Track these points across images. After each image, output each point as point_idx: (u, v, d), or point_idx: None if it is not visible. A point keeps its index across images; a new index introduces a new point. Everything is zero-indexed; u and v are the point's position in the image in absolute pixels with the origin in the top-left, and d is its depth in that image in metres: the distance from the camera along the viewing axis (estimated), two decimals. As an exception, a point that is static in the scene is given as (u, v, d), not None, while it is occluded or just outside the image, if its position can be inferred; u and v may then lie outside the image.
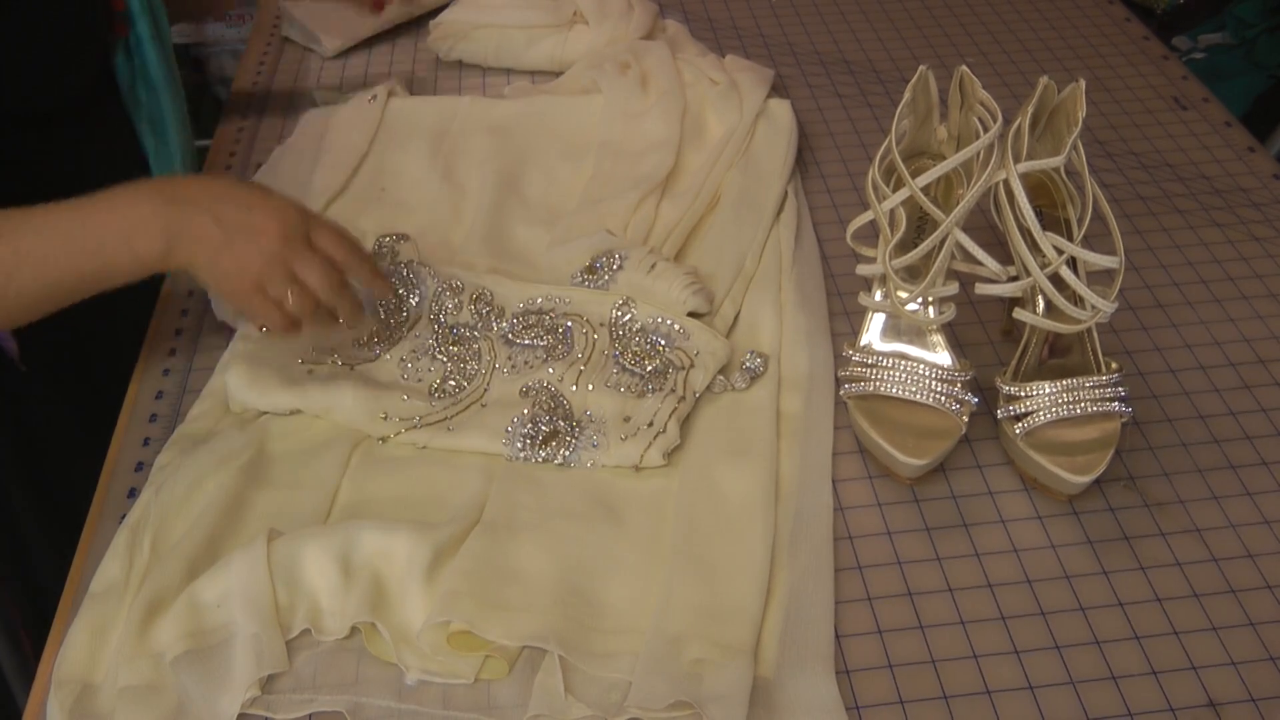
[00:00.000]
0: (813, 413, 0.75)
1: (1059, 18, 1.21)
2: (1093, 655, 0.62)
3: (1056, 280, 0.70)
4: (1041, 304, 0.73)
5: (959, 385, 0.72)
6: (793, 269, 0.86)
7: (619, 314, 0.80)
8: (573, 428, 0.73)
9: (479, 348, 0.78)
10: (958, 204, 0.70)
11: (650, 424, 0.72)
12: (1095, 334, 0.73)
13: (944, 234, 0.71)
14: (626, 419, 0.73)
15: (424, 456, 0.73)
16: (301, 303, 0.67)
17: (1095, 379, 0.70)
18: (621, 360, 0.77)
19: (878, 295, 0.76)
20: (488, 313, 0.81)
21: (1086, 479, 0.67)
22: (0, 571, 0.92)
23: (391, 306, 0.81)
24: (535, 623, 0.61)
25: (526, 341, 0.79)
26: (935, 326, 0.74)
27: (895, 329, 0.76)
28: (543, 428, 0.73)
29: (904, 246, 0.75)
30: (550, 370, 0.76)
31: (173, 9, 0.88)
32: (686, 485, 0.70)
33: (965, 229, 0.71)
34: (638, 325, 0.79)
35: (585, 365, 0.76)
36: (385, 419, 0.73)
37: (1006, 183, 0.72)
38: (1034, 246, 0.71)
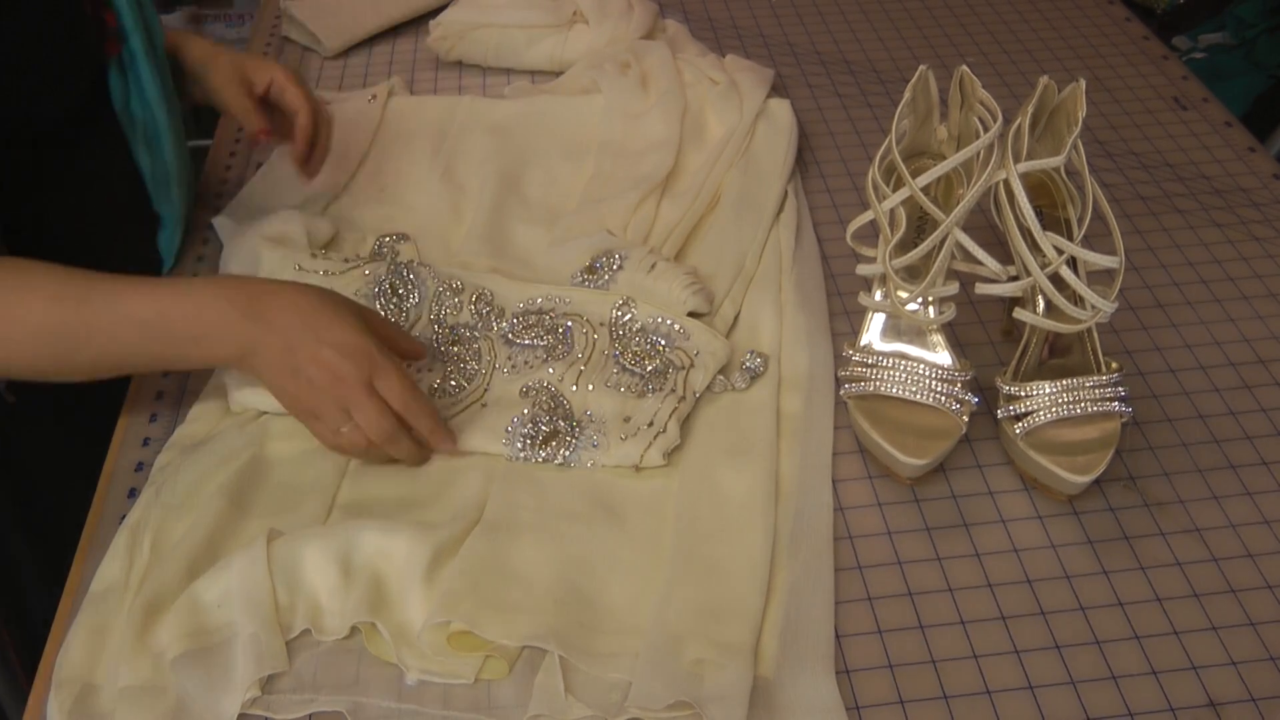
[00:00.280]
0: (813, 413, 0.75)
1: (1059, 18, 1.21)
2: (1093, 655, 0.62)
3: (1057, 280, 0.70)
4: (1041, 304, 0.73)
5: (959, 385, 0.72)
6: (793, 269, 0.86)
7: (619, 314, 0.80)
8: (573, 428, 0.73)
9: (479, 348, 0.78)
10: (958, 204, 0.70)
11: (650, 424, 0.72)
12: (1095, 334, 0.73)
13: (944, 234, 0.71)
14: (626, 419, 0.73)
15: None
16: (354, 439, 0.69)
17: (1095, 379, 0.70)
18: (621, 360, 0.77)
19: (878, 295, 0.76)
20: (488, 313, 0.81)
21: (1086, 479, 0.67)
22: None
23: (391, 308, 0.81)
24: (535, 623, 0.61)
25: (526, 341, 0.79)
26: (935, 326, 0.74)
27: (895, 329, 0.76)
28: (543, 428, 0.72)
29: (904, 246, 0.75)
30: (550, 370, 0.76)
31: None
32: (687, 485, 0.70)
33: (965, 229, 0.71)
34: (638, 325, 0.79)
35: (585, 365, 0.76)
36: None
37: (1006, 182, 0.72)
38: (1034, 246, 0.71)
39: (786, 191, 0.94)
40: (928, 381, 0.72)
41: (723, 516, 0.68)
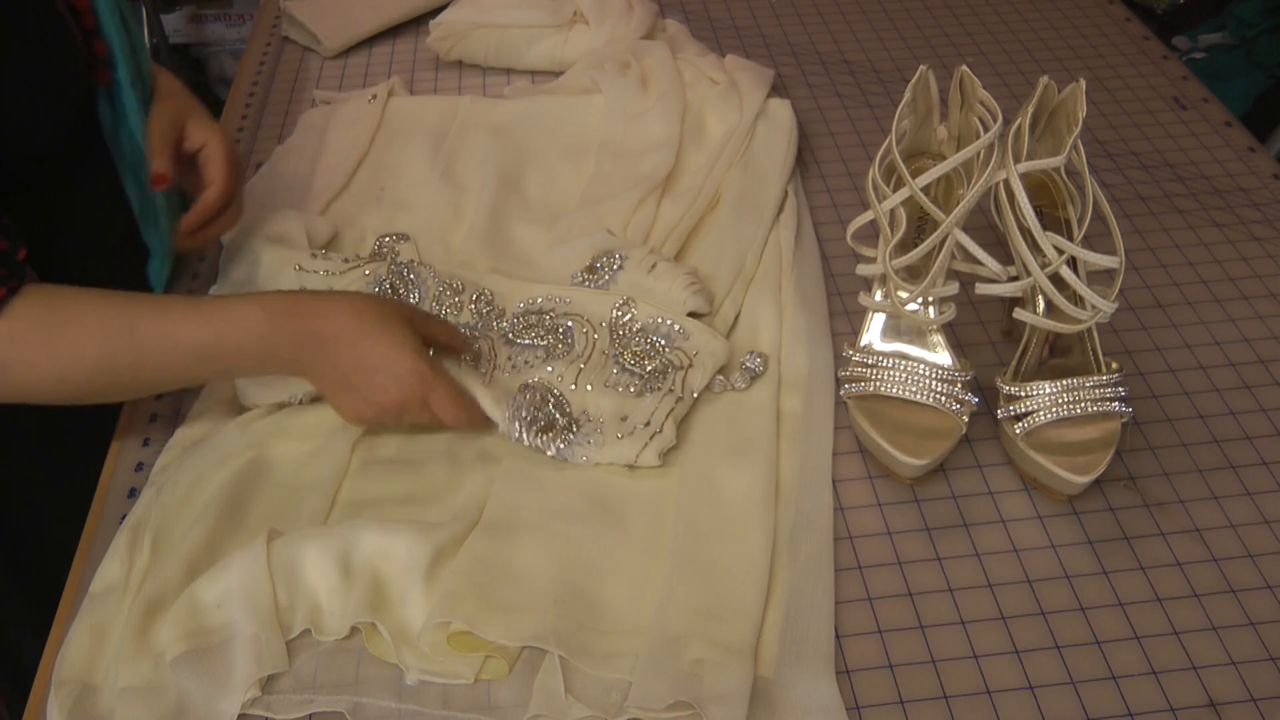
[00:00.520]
0: (813, 413, 0.75)
1: (1059, 18, 1.21)
2: (1093, 655, 0.62)
3: (1057, 280, 0.70)
4: (1042, 304, 0.73)
5: (959, 385, 0.72)
6: (793, 269, 0.86)
7: (619, 314, 0.80)
8: (570, 424, 0.73)
9: (479, 347, 0.78)
10: (958, 204, 0.70)
11: (647, 424, 0.72)
12: (1095, 334, 0.73)
13: (944, 234, 0.71)
14: (624, 418, 0.73)
15: (424, 456, 0.73)
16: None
17: (1095, 379, 0.70)
18: (621, 360, 0.77)
19: (878, 295, 0.76)
20: (488, 312, 0.81)
21: (1087, 479, 0.67)
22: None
23: None
24: (535, 623, 0.61)
25: (527, 341, 0.79)
26: (935, 326, 0.74)
27: (895, 329, 0.76)
28: (540, 419, 0.73)
29: (904, 246, 0.75)
30: (549, 369, 0.76)
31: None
32: (687, 485, 0.70)
33: (965, 229, 0.71)
34: (638, 325, 0.79)
35: (585, 364, 0.76)
36: None
37: (1007, 183, 0.72)
38: (1034, 246, 0.71)
39: (786, 191, 0.94)
40: (928, 381, 0.72)
41: (723, 517, 0.68)
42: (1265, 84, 1.73)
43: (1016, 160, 0.71)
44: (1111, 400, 0.70)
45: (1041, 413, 0.70)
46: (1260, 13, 1.80)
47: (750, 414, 0.74)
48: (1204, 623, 0.63)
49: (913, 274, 0.76)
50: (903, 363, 0.73)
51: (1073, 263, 0.72)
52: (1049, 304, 0.71)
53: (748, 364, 0.78)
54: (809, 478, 0.71)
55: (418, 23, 1.21)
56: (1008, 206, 0.72)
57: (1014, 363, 0.74)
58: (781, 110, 1.02)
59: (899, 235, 0.74)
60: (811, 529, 0.68)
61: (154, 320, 0.66)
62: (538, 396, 0.74)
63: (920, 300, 0.74)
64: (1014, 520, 0.69)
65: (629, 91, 1.04)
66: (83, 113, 0.75)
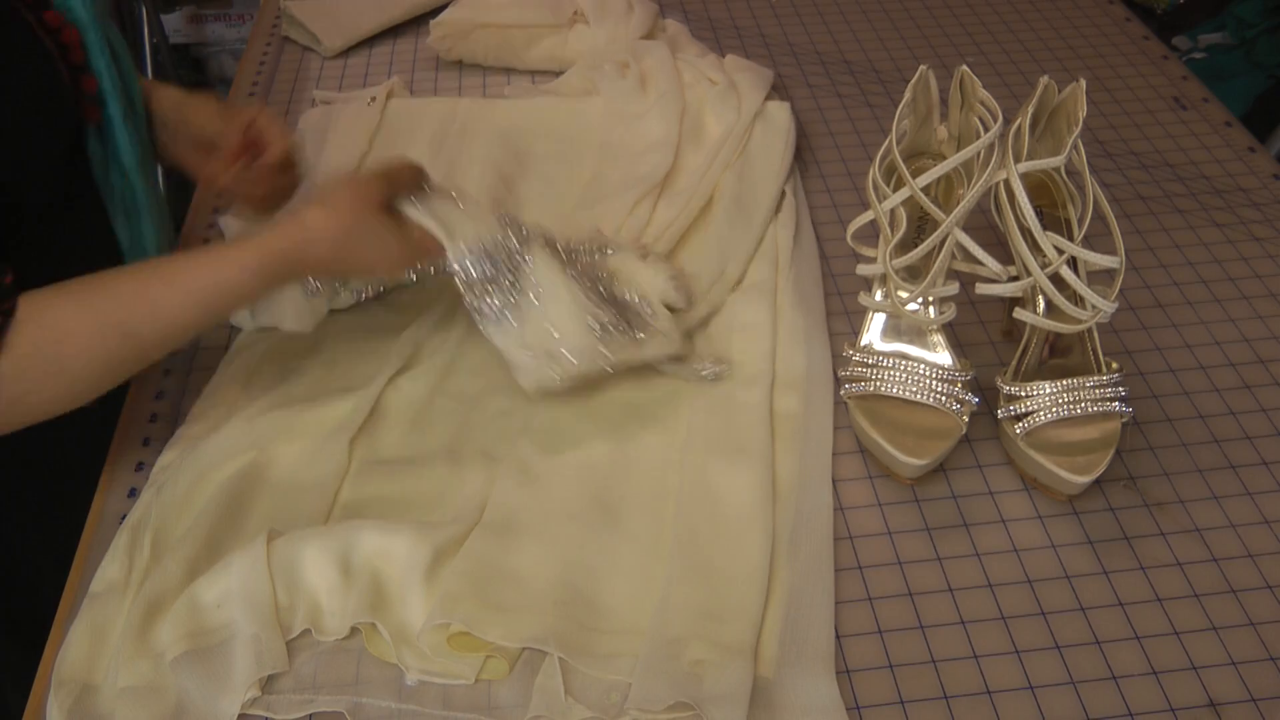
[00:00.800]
0: (812, 413, 0.75)
1: (1059, 18, 1.21)
2: (1093, 655, 0.62)
3: (1057, 280, 0.70)
4: (1042, 304, 0.73)
5: (959, 385, 0.72)
6: (791, 269, 0.86)
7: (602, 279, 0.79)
8: (514, 285, 0.71)
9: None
10: (958, 204, 0.70)
11: (565, 351, 0.71)
12: (1095, 334, 0.73)
13: (944, 234, 0.71)
14: (556, 335, 0.71)
15: (424, 457, 0.73)
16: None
17: (1095, 379, 0.70)
18: (596, 291, 0.75)
19: (878, 295, 0.76)
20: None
21: (1087, 479, 0.67)
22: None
23: None
24: (535, 624, 0.61)
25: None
26: (935, 326, 0.74)
27: (896, 329, 0.76)
28: (487, 267, 0.71)
29: (904, 246, 0.75)
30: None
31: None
32: (685, 486, 0.70)
33: (965, 229, 0.71)
34: (616, 293, 0.78)
35: (563, 263, 0.74)
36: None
37: (1007, 182, 0.72)
38: (1034, 246, 0.71)
39: (784, 192, 0.94)
40: (928, 381, 0.72)
41: (722, 517, 0.68)
42: (1265, 84, 1.73)
43: (1016, 160, 0.71)
44: (1111, 400, 0.70)
45: (1041, 413, 0.70)
46: (1260, 13, 1.80)
47: (746, 414, 0.74)
48: (1204, 623, 0.63)
49: (913, 274, 0.76)
50: (903, 363, 0.73)
51: (1073, 263, 0.72)
52: (1049, 304, 0.71)
53: (704, 371, 0.77)
54: (808, 478, 0.71)
55: (418, 23, 1.21)
56: (1008, 206, 0.72)
57: (1014, 363, 0.74)
58: (779, 112, 1.02)
59: (899, 235, 0.74)
60: (811, 529, 0.68)
61: (145, 307, 0.64)
62: (500, 248, 0.71)
63: (920, 300, 0.74)
64: (1014, 520, 0.69)
65: (627, 92, 1.04)
66: (71, 151, 0.74)
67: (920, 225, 0.80)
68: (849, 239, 0.78)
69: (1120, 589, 0.65)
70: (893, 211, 0.75)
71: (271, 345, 0.81)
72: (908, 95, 0.78)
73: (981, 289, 0.72)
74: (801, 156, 1.00)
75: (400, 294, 0.85)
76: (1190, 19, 1.90)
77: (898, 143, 0.75)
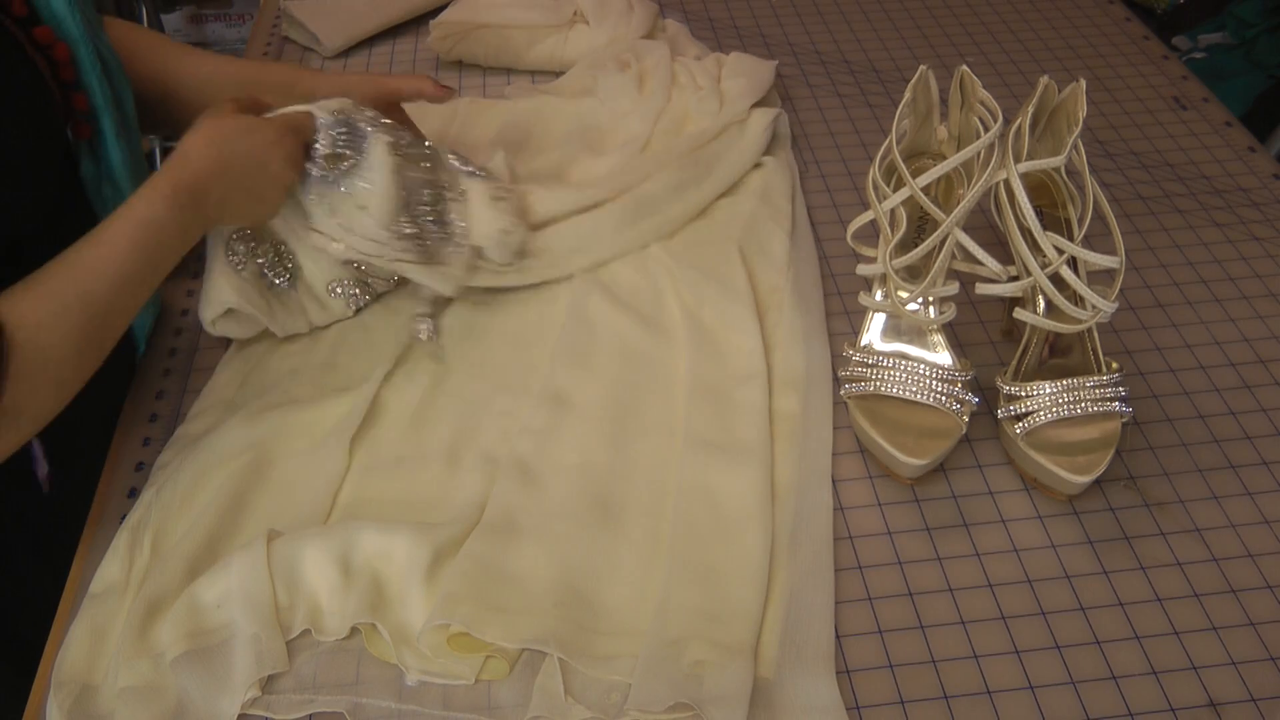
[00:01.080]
0: (812, 413, 0.75)
1: (1059, 18, 1.21)
2: (1093, 655, 0.62)
3: (1057, 280, 0.70)
4: (1042, 304, 0.73)
5: (959, 385, 0.72)
6: (790, 269, 0.86)
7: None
8: (353, 164, 0.75)
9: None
10: (958, 204, 0.70)
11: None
12: (1095, 334, 0.73)
13: (944, 234, 0.71)
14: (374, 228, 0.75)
15: (424, 457, 0.73)
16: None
17: (1095, 379, 0.70)
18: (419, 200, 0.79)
19: (878, 295, 0.76)
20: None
21: (1087, 479, 0.67)
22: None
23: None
24: (534, 625, 0.61)
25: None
26: (935, 326, 0.74)
27: (896, 329, 0.76)
28: (340, 134, 0.75)
29: (904, 246, 0.75)
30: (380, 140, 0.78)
31: None
32: (684, 487, 0.70)
33: (965, 229, 0.71)
34: (440, 213, 0.81)
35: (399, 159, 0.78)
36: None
37: (1007, 182, 0.72)
38: (1034, 246, 0.71)
39: (789, 193, 0.94)
40: (928, 381, 0.72)
41: (721, 518, 0.68)
42: (1265, 84, 1.73)
43: (1016, 160, 0.71)
44: (1111, 400, 0.70)
45: (1041, 413, 0.70)
46: (1260, 13, 1.80)
47: (744, 414, 0.74)
48: (1204, 623, 0.63)
49: (913, 274, 0.76)
50: (903, 362, 0.73)
51: (1073, 263, 0.72)
52: (1049, 304, 0.71)
53: (421, 330, 0.80)
54: (808, 478, 0.71)
55: (418, 23, 1.21)
56: (1008, 206, 0.72)
57: (1014, 363, 0.74)
58: (759, 120, 0.99)
59: (899, 235, 0.74)
60: (811, 529, 0.68)
61: (90, 267, 0.63)
62: (354, 126, 0.76)
63: (920, 300, 0.74)
64: (1014, 520, 0.69)
65: (622, 89, 1.04)
66: (63, 170, 0.73)
67: (920, 225, 0.80)
68: (849, 239, 0.78)
69: (1120, 589, 0.65)
70: (893, 211, 0.75)
71: (271, 345, 0.81)
72: (908, 95, 0.78)
73: (981, 289, 0.72)
74: (801, 156, 1.00)
75: (398, 297, 0.85)
76: (1190, 19, 1.90)
77: (898, 143, 0.75)
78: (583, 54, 1.10)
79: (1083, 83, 0.74)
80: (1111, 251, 0.70)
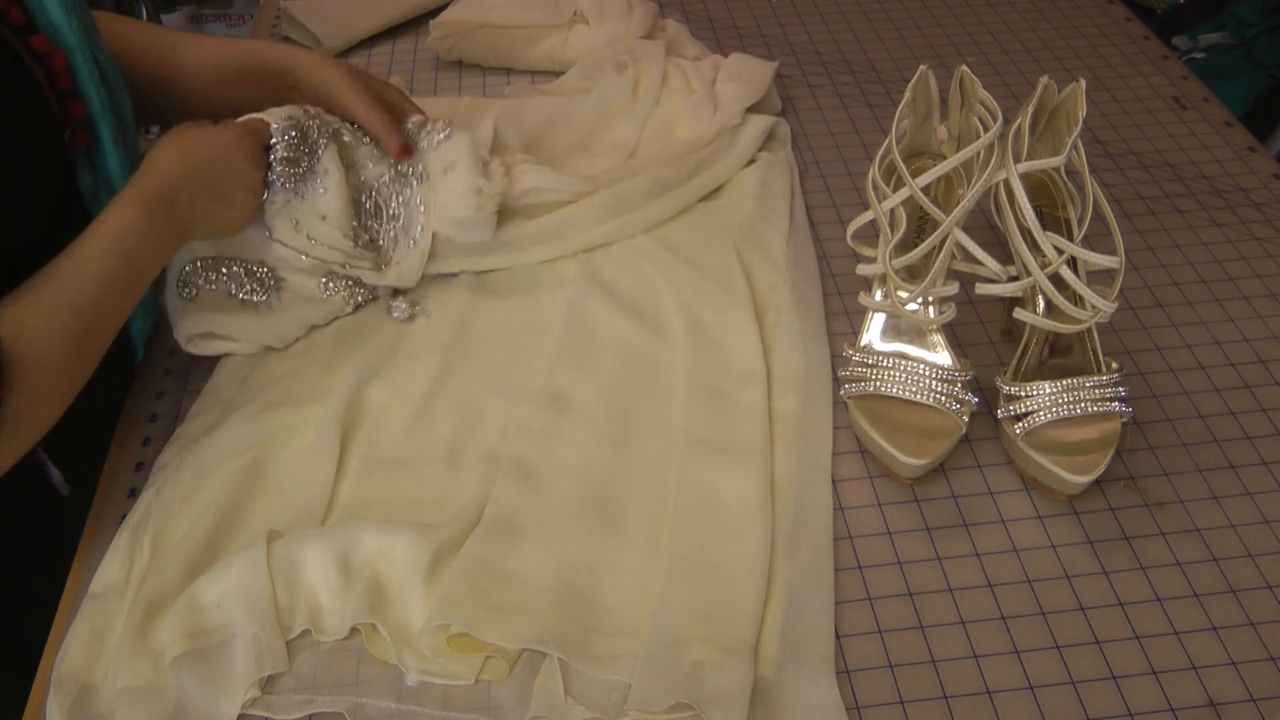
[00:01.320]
0: (811, 413, 0.75)
1: (1059, 18, 1.21)
2: (1093, 655, 0.62)
3: (1057, 280, 0.70)
4: (1042, 304, 0.73)
5: (959, 385, 0.72)
6: (789, 269, 0.86)
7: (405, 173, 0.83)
8: (306, 172, 0.76)
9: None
10: (958, 204, 0.70)
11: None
12: (1095, 334, 0.73)
13: (944, 234, 0.71)
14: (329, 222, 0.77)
15: (423, 458, 0.73)
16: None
17: (1095, 379, 0.70)
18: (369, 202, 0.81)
19: (878, 295, 0.76)
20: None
21: (1087, 479, 0.67)
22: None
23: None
24: (534, 625, 0.61)
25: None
26: (935, 326, 0.74)
27: (895, 329, 0.76)
28: (295, 139, 0.76)
29: (904, 246, 0.75)
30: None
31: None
32: (683, 487, 0.70)
33: (965, 229, 0.71)
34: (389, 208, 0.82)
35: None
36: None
37: (1007, 182, 0.72)
38: (1034, 246, 0.71)
39: (789, 194, 0.94)
40: (928, 381, 0.72)
41: (720, 518, 0.68)
42: (1265, 84, 1.73)
43: (1016, 160, 0.71)
44: (1111, 400, 0.70)
45: (1041, 413, 0.70)
46: (1260, 13, 1.80)
47: (744, 414, 0.74)
48: (1204, 623, 0.63)
49: (913, 274, 0.76)
50: (903, 363, 0.73)
51: (1073, 263, 0.72)
52: (1049, 304, 0.71)
53: (395, 312, 0.83)
54: (808, 477, 0.71)
55: (418, 23, 1.21)
56: (1008, 206, 0.72)
57: (1014, 363, 0.74)
58: (754, 126, 0.99)
59: (899, 235, 0.74)
60: (811, 529, 0.68)
61: (74, 274, 0.64)
62: (306, 131, 0.77)
63: (920, 300, 0.74)
64: (1014, 520, 0.69)
65: (617, 91, 1.03)
66: (61, 180, 0.73)
67: (920, 225, 0.80)
68: (849, 239, 0.78)
69: (1120, 589, 0.65)
70: (893, 211, 0.75)
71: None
72: (908, 95, 0.78)
73: (981, 289, 0.72)
74: (801, 156, 1.00)
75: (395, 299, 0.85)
76: (1190, 19, 1.90)
77: (898, 143, 0.75)
78: (582, 54, 1.10)
79: (1083, 83, 0.74)
80: (1111, 251, 0.70)
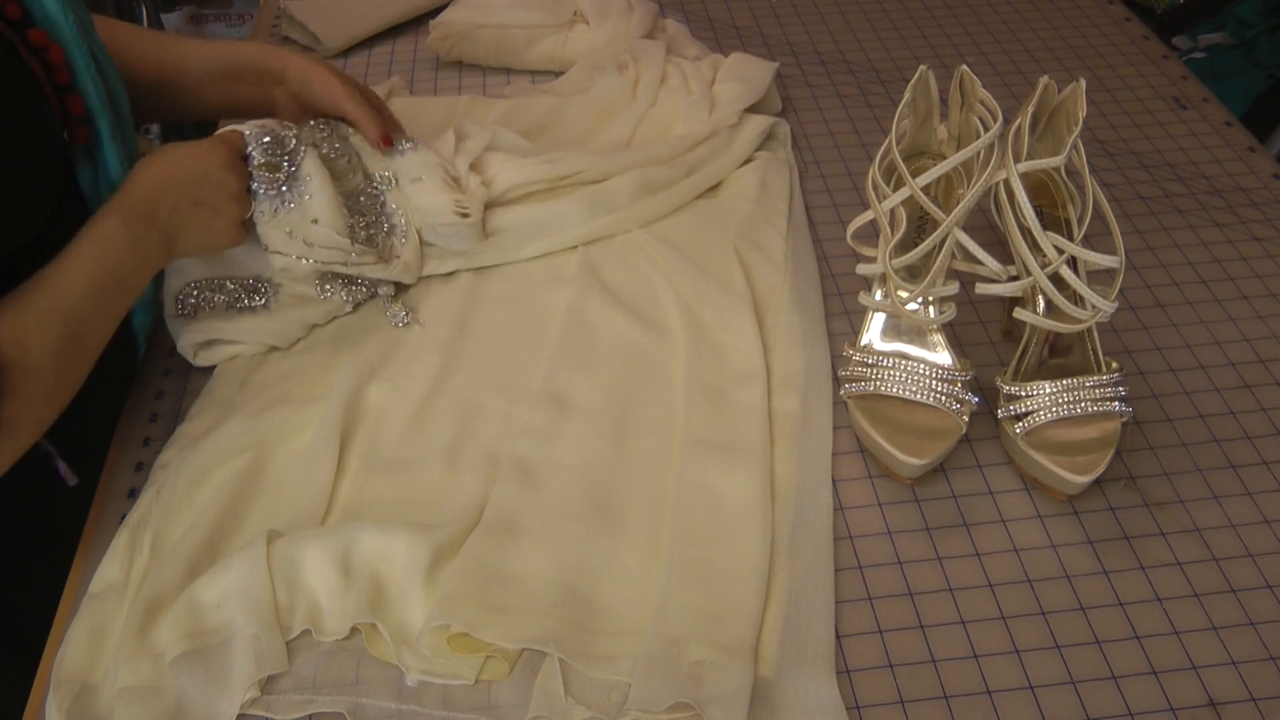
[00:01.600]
0: (811, 413, 0.75)
1: (1059, 18, 1.21)
2: (1093, 655, 0.62)
3: (1057, 280, 0.70)
4: (1042, 303, 0.73)
5: (959, 385, 0.72)
6: (788, 270, 0.86)
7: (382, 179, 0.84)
8: (287, 179, 0.76)
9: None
10: (958, 204, 0.70)
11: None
12: (1095, 333, 0.73)
13: (944, 234, 0.71)
14: (315, 221, 0.77)
15: (423, 458, 0.73)
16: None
17: (1095, 379, 0.70)
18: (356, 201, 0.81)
19: (878, 295, 0.76)
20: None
21: (1087, 479, 0.67)
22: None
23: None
24: (534, 626, 0.61)
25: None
26: (935, 326, 0.74)
27: (896, 329, 0.76)
28: (272, 150, 0.76)
29: (904, 246, 0.75)
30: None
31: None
32: (683, 486, 0.70)
33: (965, 228, 0.71)
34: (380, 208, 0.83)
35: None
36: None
37: (1007, 182, 0.72)
38: (1034, 246, 0.71)
39: (788, 194, 0.94)
40: (928, 381, 0.72)
41: (720, 518, 0.68)
42: (1265, 84, 1.73)
43: (1016, 160, 0.71)
44: (1111, 400, 0.70)
45: (1041, 412, 0.70)
46: (1260, 13, 1.80)
47: (744, 414, 0.74)
48: (1204, 623, 0.63)
49: (913, 274, 0.76)
50: (903, 362, 0.73)
51: (1073, 262, 0.72)
52: (1049, 304, 0.71)
53: (393, 318, 0.83)
54: (808, 477, 0.71)
55: (418, 23, 1.21)
56: (1008, 206, 0.72)
57: (1014, 362, 0.74)
58: (752, 127, 0.99)
59: (899, 235, 0.74)
60: (811, 529, 0.68)
61: (63, 280, 0.65)
62: (281, 138, 0.77)
63: (920, 300, 0.74)
64: (1014, 520, 0.69)
65: (615, 91, 1.03)
66: (60, 176, 0.73)
67: (920, 225, 0.80)
68: (849, 239, 0.78)
69: (1120, 589, 0.65)
70: (893, 211, 0.75)
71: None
72: (908, 95, 0.78)
73: (981, 289, 0.72)
74: (801, 156, 1.00)
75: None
76: (1190, 19, 1.90)
77: (898, 143, 0.75)
78: (582, 54, 1.10)
79: (1083, 83, 0.74)
80: (1111, 251, 0.70)
